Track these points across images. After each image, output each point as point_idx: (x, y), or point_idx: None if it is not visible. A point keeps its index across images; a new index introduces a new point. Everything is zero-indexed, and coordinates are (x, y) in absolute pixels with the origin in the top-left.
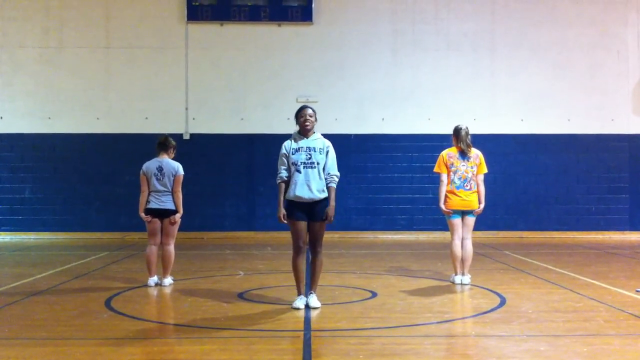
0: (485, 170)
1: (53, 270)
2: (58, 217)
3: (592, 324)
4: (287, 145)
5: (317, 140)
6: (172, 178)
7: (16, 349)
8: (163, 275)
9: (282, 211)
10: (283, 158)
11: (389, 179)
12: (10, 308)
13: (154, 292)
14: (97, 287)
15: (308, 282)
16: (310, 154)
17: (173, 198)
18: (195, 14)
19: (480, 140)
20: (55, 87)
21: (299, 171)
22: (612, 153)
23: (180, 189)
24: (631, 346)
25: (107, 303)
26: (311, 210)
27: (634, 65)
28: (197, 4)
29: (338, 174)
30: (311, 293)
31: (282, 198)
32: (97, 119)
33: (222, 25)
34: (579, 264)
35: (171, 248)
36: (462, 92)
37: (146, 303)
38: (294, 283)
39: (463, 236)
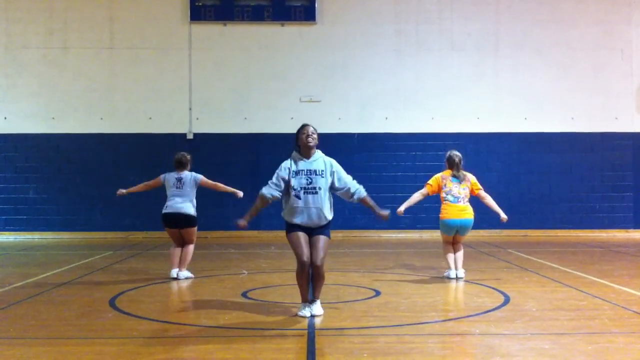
0: (480, 187)
1: (57, 269)
2: (62, 217)
3: (596, 322)
4: (286, 166)
5: (317, 161)
6: (194, 185)
7: (20, 349)
8: (180, 268)
9: (244, 220)
10: (280, 179)
11: (392, 177)
12: (14, 307)
13: (158, 291)
14: (101, 286)
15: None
16: (310, 178)
17: (193, 203)
18: (198, 14)
19: (484, 140)
20: (59, 87)
21: (298, 197)
22: (616, 151)
23: (212, 182)
24: (635, 344)
25: (112, 302)
26: (312, 230)
27: (638, 64)
28: (200, 4)
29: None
30: (314, 301)
31: (253, 211)
32: (101, 119)
33: (225, 25)
34: (583, 262)
35: (192, 246)
36: (466, 92)
37: (150, 302)
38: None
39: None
